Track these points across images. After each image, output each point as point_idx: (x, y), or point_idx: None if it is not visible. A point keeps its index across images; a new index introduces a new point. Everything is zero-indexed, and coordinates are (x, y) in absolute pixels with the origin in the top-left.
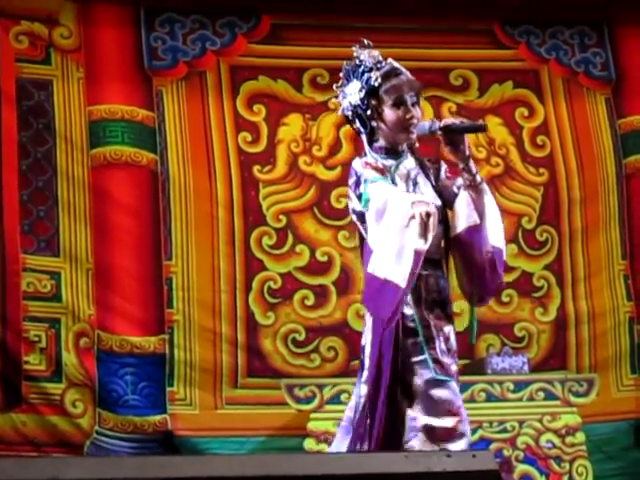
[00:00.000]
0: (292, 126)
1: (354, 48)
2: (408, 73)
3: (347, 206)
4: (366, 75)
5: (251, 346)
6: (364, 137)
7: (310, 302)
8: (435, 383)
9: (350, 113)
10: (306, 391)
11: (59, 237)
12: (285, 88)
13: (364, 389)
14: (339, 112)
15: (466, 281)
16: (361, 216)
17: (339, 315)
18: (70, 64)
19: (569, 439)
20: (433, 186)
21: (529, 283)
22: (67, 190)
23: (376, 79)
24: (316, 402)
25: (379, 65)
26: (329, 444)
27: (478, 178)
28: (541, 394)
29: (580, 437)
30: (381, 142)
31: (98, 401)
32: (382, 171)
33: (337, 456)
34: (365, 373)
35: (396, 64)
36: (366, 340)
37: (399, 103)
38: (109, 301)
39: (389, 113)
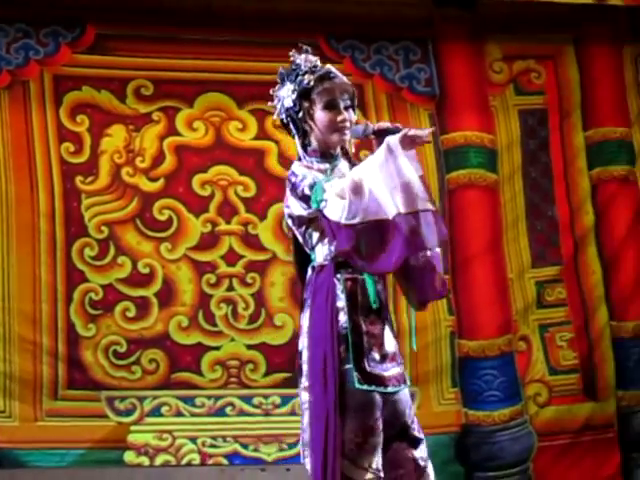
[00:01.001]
0: (115, 137)
1: (291, 53)
2: (344, 78)
3: (169, 218)
4: (299, 78)
5: (72, 358)
6: (297, 140)
7: (131, 314)
8: (354, 394)
9: (284, 116)
10: (126, 403)
11: None
12: (109, 99)
13: (305, 396)
14: (274, 116)
15: (405, 286)
16: (300, 219)
17: (160, 327)
18: None
19: None
20: None
21: None
22: None
23: (309, 81)
24: (136, 414)
25: (314, 69)
26: (149, 457)
27: None
28: None
29: None
30: (314, 145)
31: None
32: (323, 173)
33: (155, 470)
34: (304, 380)
35: (332, 68)
36: (303, 344)
37: (331, 106)
38: None
39: (320, 115)
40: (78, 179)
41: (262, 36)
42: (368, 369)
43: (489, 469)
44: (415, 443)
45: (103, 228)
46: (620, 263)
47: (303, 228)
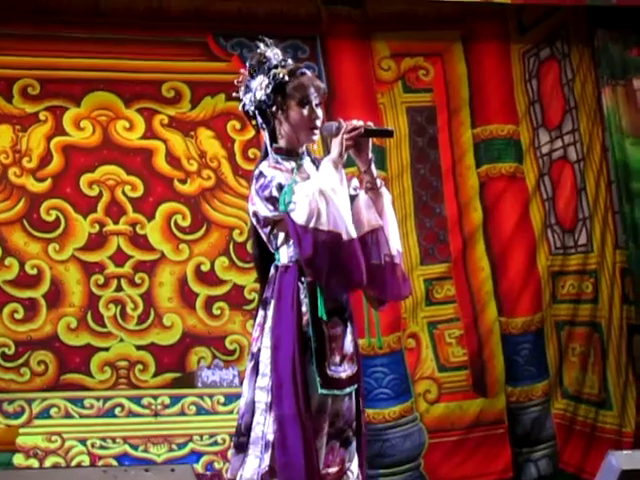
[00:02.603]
0: (1, 137)
1: (260, 44)
2: (312, 74)
3: (57, 218)
4: (273, 71)
5: None
6: (266, 134)
7: (20, 316)
8: (313, 398)
9: (253, 108)
10: (15, 406)
11: None
12: None
13: (261, 396)
14: (239, 108)
15: (367, 285)
16: (265, 220)
17: (49, 329)
18: None
19: None
20: None
21: (240, 296)
22: None
23: (284, 75)
24: (25, 417)
25: (283, 63)
26: (38, 459)
27: (378, 182)
28: None
29: None
30: (281, 143)
31: None
32: (289, 172)
33: (44, 472)
34: (263, 379)
35: (300, 64)
36: (262, 344)
37: (305, 102)
38: None
39: (295, 111)
40: None
41: (149, 34)
42: (329, 373)
43: (380, 466)
44: (347, 444)
45: None
46: (508, 259)
47: (268, 229)
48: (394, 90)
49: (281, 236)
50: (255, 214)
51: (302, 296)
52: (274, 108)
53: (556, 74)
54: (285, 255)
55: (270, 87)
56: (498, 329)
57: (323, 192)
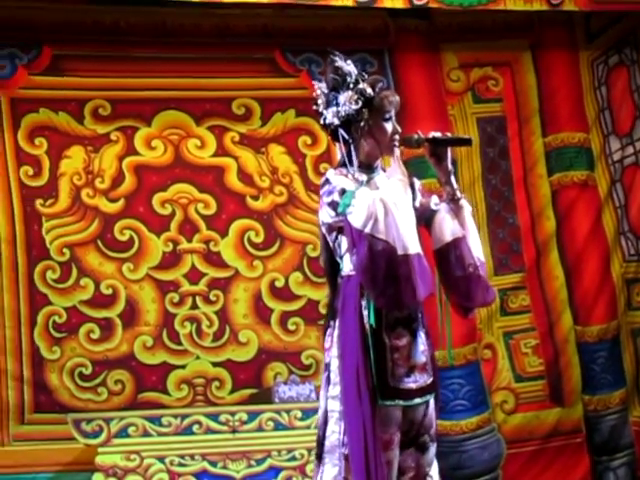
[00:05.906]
0: (74, 159)
1: (336, 58)
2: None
3: (131, 238)
4: (360, 86)
5: (37, 381)
6: (347, 148)
7: (96, 335)
8: (377, 409)
9: (337, 122)
10: (93, 425)
11: None
12: (67, 120)
13: (334, 405)
14: (321, 121)
15: (453, 294)
16: (330, 227)
17: (125, 348)
18: None
19: None
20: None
21: (315, 311)
22: None
23: (369, 91)
24: (103, 436)
25: (362, 77)
26: (118, 478)
27: (458, 193)
28: None
29: None
30: (359, 156)
31: None
32: (358, 183)
33: None
34: (335, 388)
35: (378, 77)
36: (332, 354)
37: (388, 118)
38: None
39: (380, 126)
40: (38, 202)
41: (218, 52)
42: (391, 384)
43: (459, 478)
44: (423, 449)
45: (65, 250)
46: (582, 267)
47: (334, 235)
48: (464, 101)
49: (344, 244)
50: (322, 221)
51: (363, 306)
52: (362, 123)
53: (625, 80)
54: (348, 264)
55: (360, 102)
56: (574, 338)
57: (384, 202)
